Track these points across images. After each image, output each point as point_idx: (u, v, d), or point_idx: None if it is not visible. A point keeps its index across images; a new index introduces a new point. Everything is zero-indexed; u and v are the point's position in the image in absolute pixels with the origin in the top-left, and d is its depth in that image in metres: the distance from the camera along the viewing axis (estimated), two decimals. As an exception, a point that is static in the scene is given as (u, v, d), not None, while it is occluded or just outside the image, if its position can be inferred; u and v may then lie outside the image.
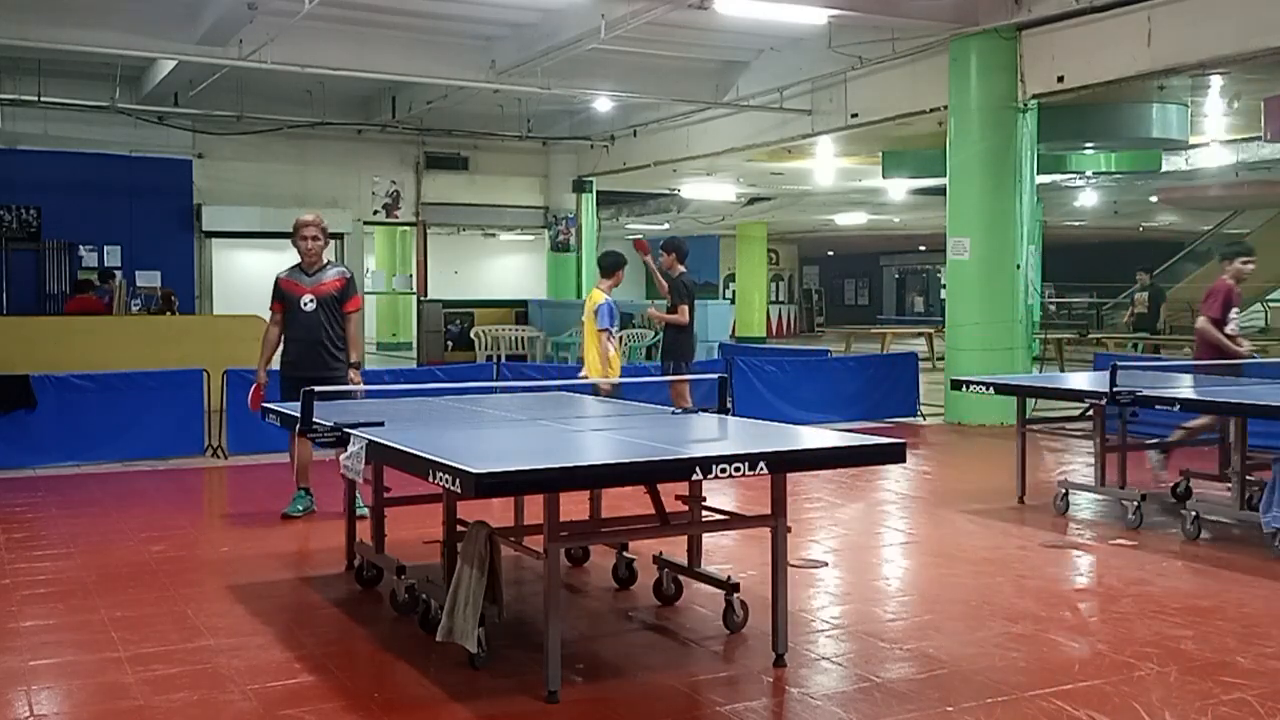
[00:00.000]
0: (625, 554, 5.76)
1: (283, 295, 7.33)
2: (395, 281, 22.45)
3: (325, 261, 7.44)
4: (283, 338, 7.36)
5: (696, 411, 5.87)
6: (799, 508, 7.58)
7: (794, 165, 20.30)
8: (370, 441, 4.67)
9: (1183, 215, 28.08)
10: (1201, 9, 10.44)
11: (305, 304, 7.25)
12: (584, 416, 5.90)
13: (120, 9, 12.74)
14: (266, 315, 7.52)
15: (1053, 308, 27.35)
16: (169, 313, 15.78)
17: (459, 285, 26.21)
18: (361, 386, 7.14)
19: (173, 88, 16.24)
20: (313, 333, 7.22)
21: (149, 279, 17.10)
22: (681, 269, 9.69)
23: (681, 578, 5.43)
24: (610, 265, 9.06)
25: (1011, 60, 11.99)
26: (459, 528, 4.79)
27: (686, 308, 9.56)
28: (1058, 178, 19.77)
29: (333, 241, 18.17)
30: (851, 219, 29.93)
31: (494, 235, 28.98)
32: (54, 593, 5.71)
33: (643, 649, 4.93)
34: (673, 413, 5.89)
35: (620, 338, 8.93)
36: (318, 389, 5.33)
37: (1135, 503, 7.18)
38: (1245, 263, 8.46)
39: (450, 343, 19.32)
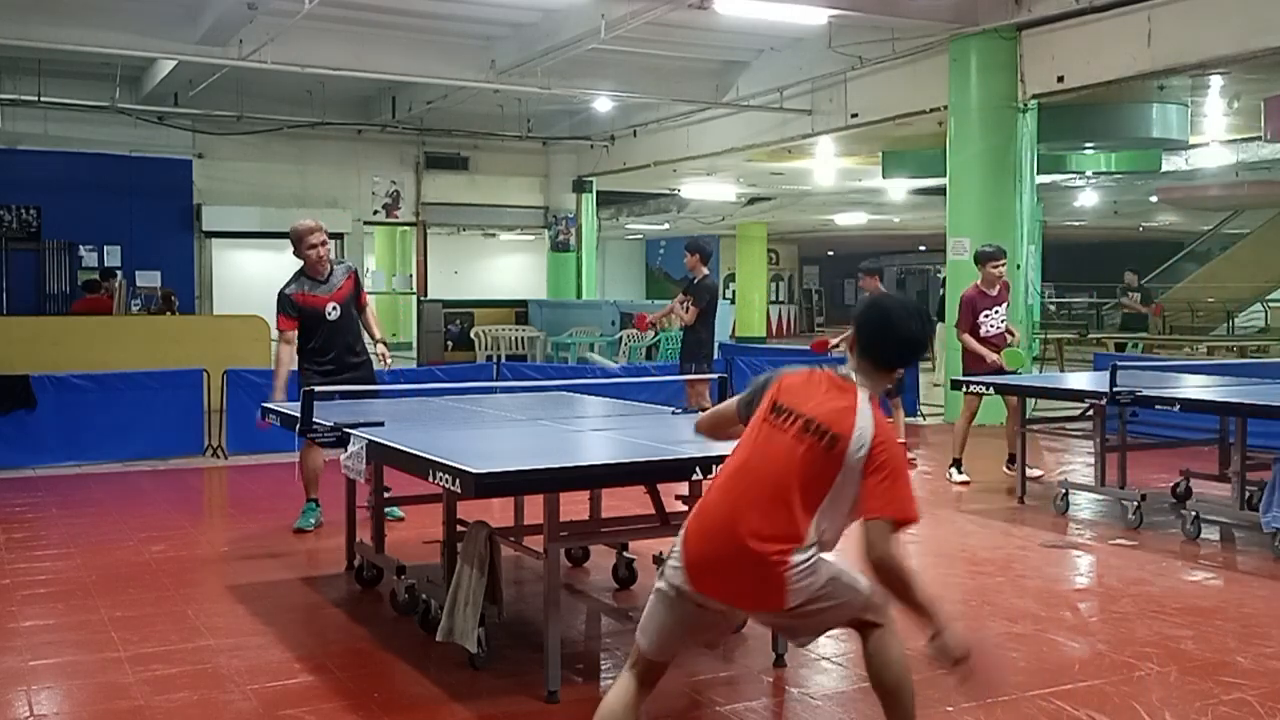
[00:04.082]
0: (625, 554, 5.76)
1: (303, 311, 6.95)
2: (395, 281, 22.42)
3: (330, 264, 7.14)
4: (306, 350, 7.02)
5: (698, 411, 5.87)
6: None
7: (794, 165, 20.30)
8: (370, 441, 4.67)
9: (1183, 215, 28.07)
10: (1201, 9, 10.44)
11: (330, 313, 6.97)
12: (584, 416, 5.90)
13: (120, 9, 12.74)
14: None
15: (1052, 308, 27.29)
16: (169, 313, 15.77)
17: (459, 285, 26.19)
18: (388, 362, 7.15)
19: (173, 88, 16.25)
20: (340, 340, 7.02)
21: (149, 279, 17.10)
22: (705, 271, 9.73)
23: (681, 578, 5.42)
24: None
25: (1011, 60, 11.99)
26: (459, 528, 4.80)
27: (696, 309, 9.59)
28: (1058, 178, 19.76)
29: (332, 242, 18.31)
30: (851, 219, 29.92)
31: (494, 235, 28.97)
32: (54, 593, 5.71)
33: (643, 649, 4.91)
34: (673, 412, 5.89)
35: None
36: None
37: (1135, 503, 7.18)
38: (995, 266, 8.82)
39: (450, 343, 19.30)
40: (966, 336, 8.74)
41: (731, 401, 3.59)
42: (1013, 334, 9.04)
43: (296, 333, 6.98)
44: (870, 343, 3.33)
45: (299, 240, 6.99)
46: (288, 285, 7.03)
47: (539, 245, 23.92)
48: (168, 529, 7.24)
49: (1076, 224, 29.43)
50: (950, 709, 4.07)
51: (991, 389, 8.23)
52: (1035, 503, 7.89)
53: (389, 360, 7.18)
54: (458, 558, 4.59)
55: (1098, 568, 6.39)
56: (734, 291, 32.74)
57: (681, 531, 3.29)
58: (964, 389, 8.39)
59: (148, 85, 16.15)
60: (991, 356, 8.63)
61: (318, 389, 5.53)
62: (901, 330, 3.31)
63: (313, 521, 7.11)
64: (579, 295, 21.41)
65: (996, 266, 8.83)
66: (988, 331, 8.78)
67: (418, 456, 4.19)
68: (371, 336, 7.30)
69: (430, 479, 4.06)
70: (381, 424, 4.99)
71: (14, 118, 16.36)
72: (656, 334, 18.04)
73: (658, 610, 3.29)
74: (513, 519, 6.10)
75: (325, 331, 7.00)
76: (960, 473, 8.66)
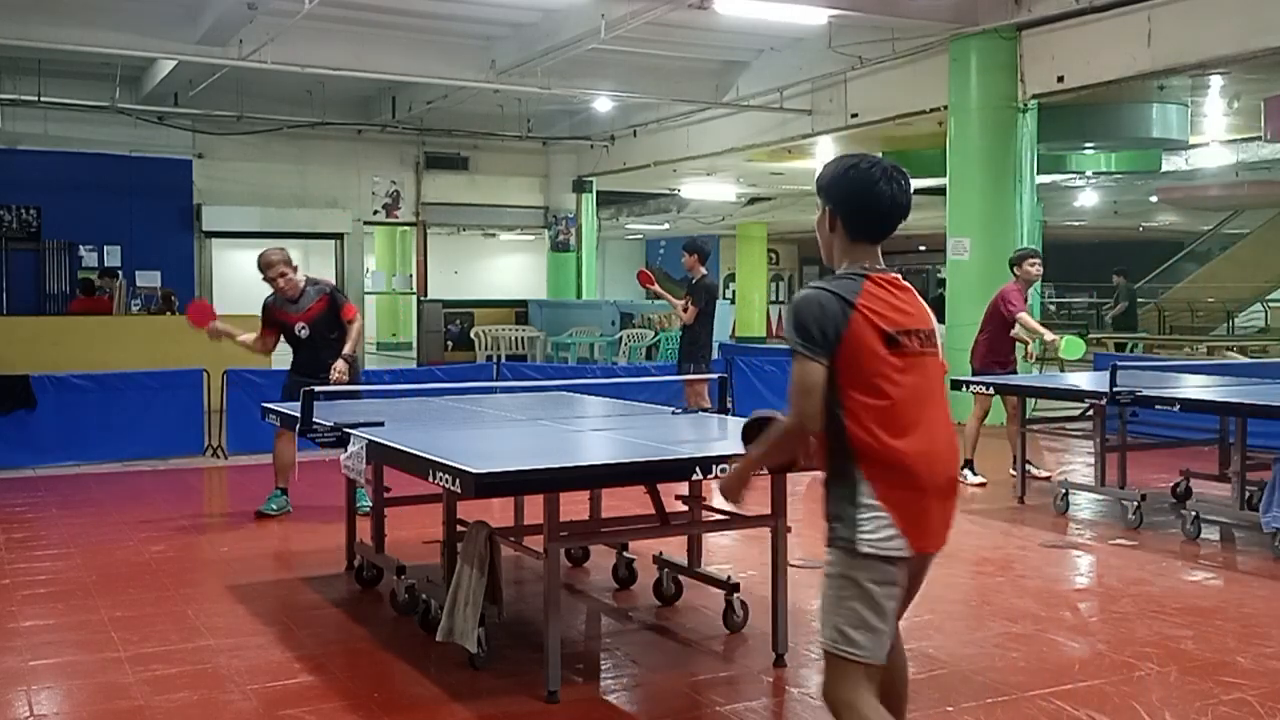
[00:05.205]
0: (625, 554, 5.76)
1: (276, 322, 7.43)
2: (395, 281, 22.44)
3: (303, 286, 7.40)
4: (292, 360, 7.49)
5: (697, 411, 5.88)
6: (799, 508, 7.58)
7: (794, 165, 20.28)
8: (370, 441, 4.67)
9: (1183, 215, 28.06)
10: (1201, 9, 10.44)
11: (300, 331, 7.38)
12: (584, 416, 5.90)
13: (120, 9, 12.74)
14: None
15: (1052, 308, 27.28)
16: (169, 313, 15.77)
17: (459, 285, 26.19)
18: (340, 371, 7.08)
19: (173, 88, 16.24)
20: (315, 357, 7.28)
21: (149, 279, 17.08)
22: (703, 271, 9.75)
23: (681, 578, 5.43)
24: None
25: (1011, 60, 11.99)
26: (459, 528, 4.80)
27: (695, 309, 9.59)
28: (1058, 178, 19.77)
29: (328, 243, 18.14)
30: (851, 219, 29.90)
31: (494, 235, 28.97)
32: (54, 593, 5.72)
33: (643, 649, 4.92)
34: (673, 412, 5.89)
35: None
36: (316, 389, 5.38)
37: (1135, 503, 7.18)
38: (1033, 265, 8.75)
39: (450, 343, 19.30)
40: (1026, 316, 8.59)
41: (813, 372, 2.78)
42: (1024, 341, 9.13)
43: (271, 337, 7.46)
44: (857, 215, 2.90)
45: (262, 270, 7.40)
46: (269, 296, 7.49)
47: (539, 245, 23.90)
48: (168, 529, 7.24)
49: (1076, 224, 29.41)
50: (950, 709, 4.07)
51: (993, 389, 8.23)
52: (1035, 503, 7.89)
53: (339, 376, 7.07)
54: (458, 558, 4.59)
55: (1098, 568, 6.39)
56: (734, 291, 32.74)
57: (885, 500, 2.77)
58: (965, 388, 8.38)
59: (148, 85, 16.14)
60: (1050, 335, 8.56)
61: (317, 389, 5.53)
62: (880, 191, 2.86)
63: (274, 507, 7.41)
64: (579, 295, 21.40)
65: (1034, 265, 8.77)
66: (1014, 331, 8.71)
67: (418, 456, 4.20)
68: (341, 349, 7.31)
69: (430, 479, 4.07)
70: (381, 424, 5.00)
71: (14, 118, 16.34)
72: (656, 334, 18.06)
73: (885, 607, 2.81)
74: (513, 519, 6.10)
75: (299, 346, 7.42)
76: (975, 474, 8.65)
